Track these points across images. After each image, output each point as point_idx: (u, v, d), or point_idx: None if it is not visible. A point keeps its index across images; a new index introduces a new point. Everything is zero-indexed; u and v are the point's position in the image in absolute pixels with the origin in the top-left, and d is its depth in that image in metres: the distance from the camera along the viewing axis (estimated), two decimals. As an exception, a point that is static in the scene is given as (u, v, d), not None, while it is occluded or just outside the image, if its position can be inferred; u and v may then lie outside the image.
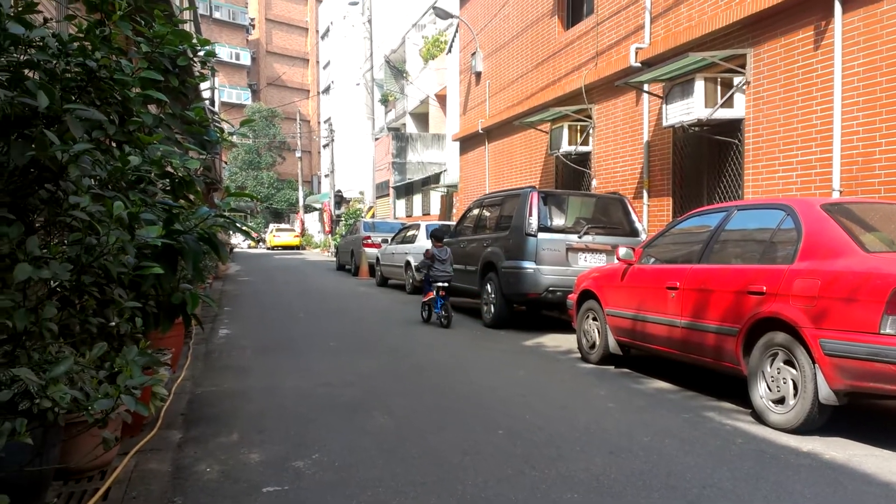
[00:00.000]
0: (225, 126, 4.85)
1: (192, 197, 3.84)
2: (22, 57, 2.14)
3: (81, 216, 2.05)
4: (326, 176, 48.31)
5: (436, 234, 10.22)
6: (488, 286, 10.09)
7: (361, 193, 38.25)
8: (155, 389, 3.10)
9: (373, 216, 33.19)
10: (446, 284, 9.93)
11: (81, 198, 2.11)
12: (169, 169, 3.32)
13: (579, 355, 7.65)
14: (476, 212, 11.60)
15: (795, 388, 4.71)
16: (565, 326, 10.05)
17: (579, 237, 9.42)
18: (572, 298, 7.84)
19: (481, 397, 5.69)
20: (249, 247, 45.34)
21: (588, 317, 7.46)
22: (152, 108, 4.38)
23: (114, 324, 2.56)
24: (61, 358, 2.01)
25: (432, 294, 10.06)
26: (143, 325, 2.78)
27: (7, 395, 1.94)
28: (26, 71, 2.33)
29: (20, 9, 2.15)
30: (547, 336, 9.25)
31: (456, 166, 23.67)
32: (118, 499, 3.49)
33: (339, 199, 43.85)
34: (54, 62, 2.11)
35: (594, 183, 13.03)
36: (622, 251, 6.76)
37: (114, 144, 3.06)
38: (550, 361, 7.45)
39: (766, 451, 4.38)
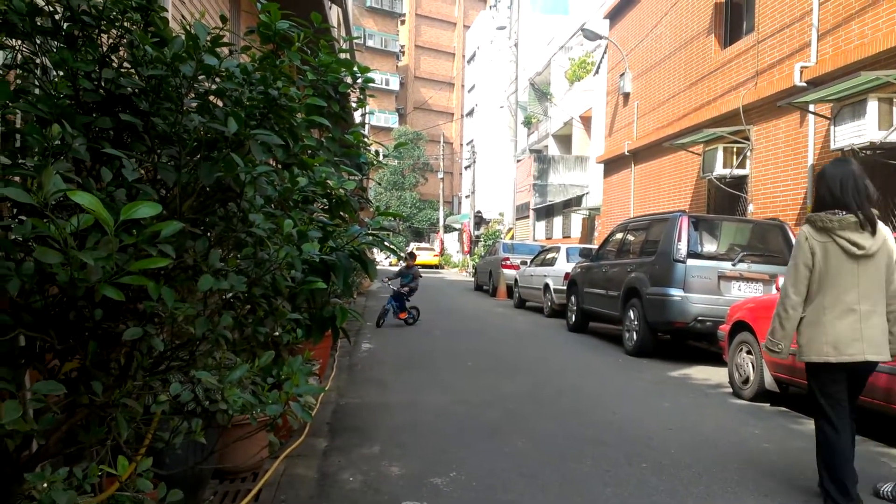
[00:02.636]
0: (378, 149, 5.05)
1: (346, 216, 4.04)
2: (212, 86, 2.36)
3: (259, 233, 2.21)
4: (467, 197, 49.13)
5: (411, 255, 12.86)
6: (631, 313, 9.80)
7: (501, 215, 38.49)
8: (306, 398, 3.28)
9: (512, 238, 33.23)
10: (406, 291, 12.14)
11: (257, 215, 2.28)
12: (328, 189, 3.52)
13: (730, 390, 7.20)
14: (620, 236, 11.33)
15: None
16: (714, 359, 9.52)
17: (733, 265, 8.93)
18: (724, 329, 7.42)
19: (624, 428, 5.50)
20: (391, 264, 46.94)
21: (741, 350, 7.02)
22: (314, 133, 4.67)
23: (277, 334, 2.73)
24: (238, 364, 2.17)
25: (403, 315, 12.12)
26: (303, 335, 2.95)
27: (188, 395, 2.13)
28: (211, 98, 2.57)
29: (210, 42, 2.37)
30: (694, 368, 8.80)
31: (599, 189, 23.24)
32: (269, 500, 3.71)
33: (479, 220, 44.39)
34: (239, 91, 2.31)
35: (751, 208, 12.31)
36: (783, 281, 6.30)
37: (279, 166, 3.29)
38: (698, 395, 7.08)
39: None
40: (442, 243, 51.24)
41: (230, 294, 2.38)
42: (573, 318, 12.41)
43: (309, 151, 3.56)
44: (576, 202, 27.79)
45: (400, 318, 12.08)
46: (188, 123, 2.26)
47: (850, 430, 3.85)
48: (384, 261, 45.54)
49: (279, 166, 3.09)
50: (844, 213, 3.81)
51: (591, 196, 26.15)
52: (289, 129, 2.87)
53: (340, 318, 3.19)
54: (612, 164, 19.82)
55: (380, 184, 56.18)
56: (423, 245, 50.77)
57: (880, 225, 3.85)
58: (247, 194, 2.25)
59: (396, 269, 12.96)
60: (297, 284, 2.64)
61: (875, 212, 3.86)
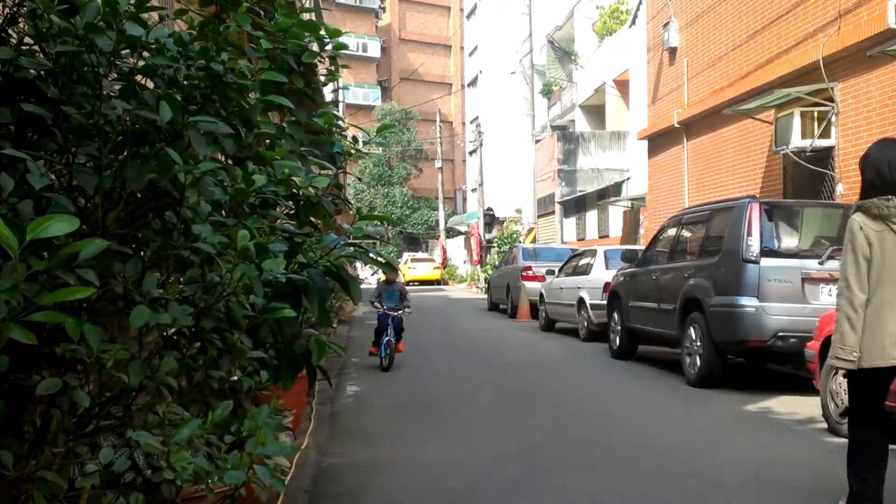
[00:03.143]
0: (357, 134, 5.07)
1: (318, 222, 4.05)
2: (138, 62, 2.37)
3: (206, 248, 2.21)
4: (473, 190, 49.23)
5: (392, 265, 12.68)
6: (691, 330, 9.78)
7: (518, 212, 38.57)
8: (277, 460, 3.27)
9: (534, 240, 33.27)
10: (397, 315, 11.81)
11: (203, 226, 2.28)
12: (293, 189, 3.53)
13: (824, 425, 7.17)
14: (672, 232, 11.33)
15: None
16: (801, 386, 9.49)
17: (820, 263, 8.91)
18: (813, 347, 7.40)
19: (690, 482, 5.48)
20: (379, 281, 46.94)
21: (838, 373, 6.99)
22: (273, 117, 4.68)
23: (236, 378, 2.73)
24: (187, 419, 2.16)
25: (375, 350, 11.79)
26: (269, 379, 2.95)
27: (124, 463, 2.11)
28: (139, 78, 2.57)
29: (134, 6, 2.38)
30: (775, 399, 8.78)
31: (643, 173, 23.27)
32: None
33: (491, 220, 44.43)
34: (173, 67, 2.32)
35: (840, 189, 12.30)
36: (841, 278, 6.31)
37: (229, 162, 3.30)
38: (784, 432, 7.05)
39: None
40: (444, 252, 51.33)
41: (173, 329, 2.38)
42: (617, 342, 12.40)
43: (267, 141, 3.57)
44: (614, 191, 27.83)
45: (371, 352, 11.77)
46: (110, 112, 2.27)
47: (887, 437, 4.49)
48: (370, 277, 45.64)
49: (229, 162, 3.09)
50: None
51: (634, 182, 26.18)
52: (239, 114, 2.88)
53: (317, 354, 3.20)
54: (659, 141, 19.85)
55: (360, 179, 56.38)
56: (419, 255, 50.85)
57: None
58: (188, 200, 2.25)
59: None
60: (258, 313, 2.63)
61: None
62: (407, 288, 12.59)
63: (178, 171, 2.19)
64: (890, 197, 4.25)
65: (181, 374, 2.48)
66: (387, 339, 11.41)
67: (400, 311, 11.75)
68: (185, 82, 2.41)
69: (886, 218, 4.24)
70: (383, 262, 3.88)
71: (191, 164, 2.23)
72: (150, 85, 2.54)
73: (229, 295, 2.45)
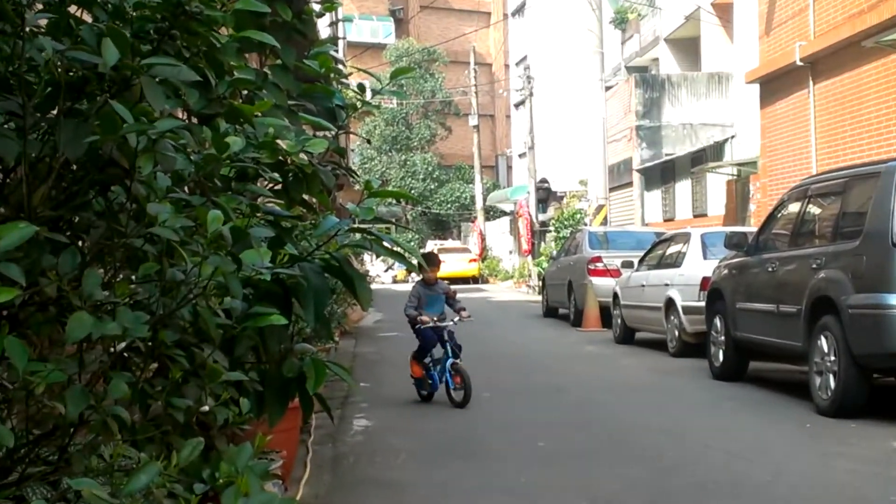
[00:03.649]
0: (364, 82, 5.08)
1: (313, 201, 4.07)
2: (71, -11, 2.40)
3: (167, 234, 2.24)
4: (521, 156, 49.15)
5: (430, 260, 12.07)
6: (822, 341, 9.70)
7: (583, 184, 38.36)
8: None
9: (604, 222, 33.15)
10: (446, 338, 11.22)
11: (161, 205, 2.30)
12: (280, 156, 3.55)
13: None
14: (795, 208, 11.22)
15: None
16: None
17: None
18: None
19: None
20: (395, 280, 47.06)
21: None
22: (251, 60, 4.69)
23: (207, 408, 2.76)
24: (143, 462, 2.18)
25: (419, 369, 11.34)
26: (250, 410, 2.97)
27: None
28: (73, 9, 2.60)
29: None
30: (940, 434, 8.70)
31: (752, 128, 23.08)
32: None
33: (545, 196, 44.27)
34: (120, -7, 2.35)
35: None
36: None
37: (194, 120, 3.32)
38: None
39: None
40: (482, 239, 51.28)
41: (123, 344, 2.41)
42: (720, 357, 12.34)
43: (244, 92, 3.59)
44: (713, 154, 27.64)
45: (455, 383, 10.85)
46: (35, 55, 2.30)
47: None
48: (384, 274, 45.59)
49: (194, 120, 3.12)
50: None
51: (740, 142, 25.98)
52: (207, 56, 2.90)
53: (314, 377, 3.21)
54: (775, 84, 19.68)
55: (369, 142, 56.38)
56: (449, 244, 50.82)
57: None
58: (141, 171, 2.28)
59: (409, 286, 12.58)
60: (236, 321, 2.66)
61: None
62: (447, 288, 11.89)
63: (128, 133, 2.20)
64: None
65: (134, 403, 2.51)
66: (450, 360, 10.88)
67: (452, 322, 11.26)
68: (135, 13, 2.42)
69: None
70: (401, 253, 3.87)
71: (144, 123, 2.24)
72: (89, 18, 2.56)
73: (197, 297, 2.46)
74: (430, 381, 11.15)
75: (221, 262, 2.41)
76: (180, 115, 3.21)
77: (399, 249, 3.74)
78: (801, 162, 18.51)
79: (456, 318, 11.29)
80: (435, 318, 11.12)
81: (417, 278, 12.37)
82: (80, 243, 2.52)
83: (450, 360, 10.88)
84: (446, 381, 10.89)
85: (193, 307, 2.55)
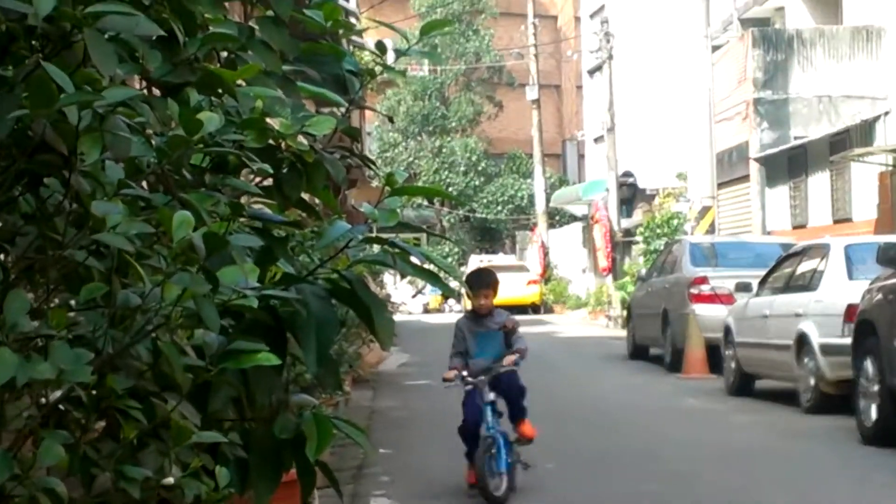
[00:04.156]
0: (385, 41, 5.11)
1: (315, 200, 4.08)
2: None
3: (117, 243, 2.24)
4: (598, 140, 49.04)
5: (480, 279, 11.41)
6: None
7: (682, 178, 38.20)
8: None
9: (711, 230, 33.04)
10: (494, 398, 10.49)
11: (110, 205, 2.31)
12: (270, 139, 3.55)
13: None
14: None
15: None
16: None
17: None
18: None
19: None
20: (426, 309, 47.02)
21: None
22: (232, 9, 4.72)
23: (172, 481, 2.75)
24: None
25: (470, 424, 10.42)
26: (230, 485, 2.96)
27: None
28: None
29: None
30: None
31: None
32: None
33: (630, 195, 44.16)
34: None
35: None
36: None
37: (155, 91, 3.34)
38: None
39: None
40: (545, 254, 51.22)
41: (58, 393, 2.42)
42: (872, 414, 12.22)
43: (224, 54, 3.60)
44: (860, 136, 27.48)
45: (470, 482, 10.16)
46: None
47: None
48: (411, 301, 45.42)
49: (156, 92, 3.14)
50: None
51: (895, 119, 25.78)
52: (173, 4, 2.92)
53: (316, 440, 3.22)
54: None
55: (392, 120, 56.38)
56: (497, 260, 50.69)
57: None
58: (85, 157, 2.29)
59: (458, 314, 11.92)
60: (210, 362, 2.66)
61: None
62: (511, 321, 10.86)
63: (66, 106, 2.22)
64: None
65: (73, 472, 2.51)
66: (490, 433, 9.98)
67: (508, 365, 10.33)
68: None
69: None
70: (435, 272, 3.85)
71: (88, 93, 2.26)
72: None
73: (158, 329, 2.47)
74: (488, 479, 9.81)
75: (191, 282, 2.41)
76: (137, 85, 3.22)
77: (432, 267, 3.73)
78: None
79: (509, 364, 10.31)
80: (480, 366, 10.34)
81: (462, 307, 12.07)
82: (1, 257, 2.54)
83: (490, 432, 9.98)
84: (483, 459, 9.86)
85: (153, 343, 2.54)
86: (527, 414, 10.61)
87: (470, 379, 10.17)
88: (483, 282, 11.07)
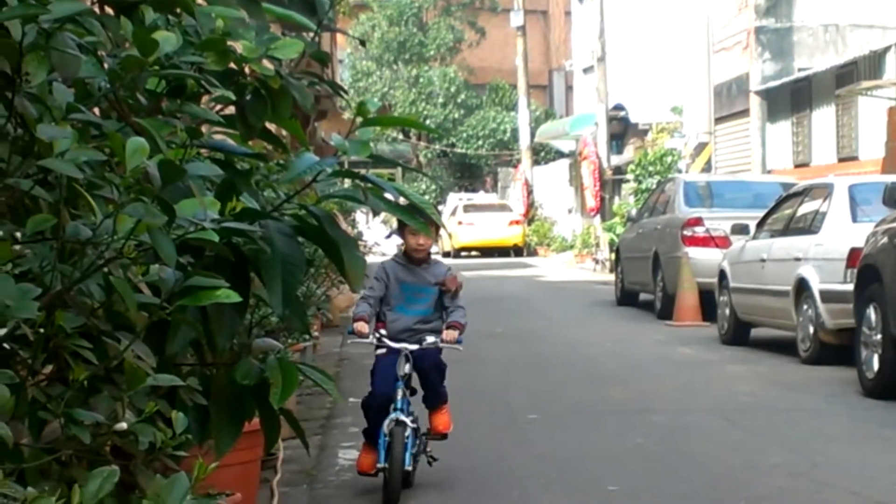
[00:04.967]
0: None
1: (281, 130, 4.06)
2: None
3: (66, 170, 2.24)
4: (587, 71, 48.89)
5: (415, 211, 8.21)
6: None
7: (677, 113, 38.13)
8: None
9: (707, 168, 33.05)
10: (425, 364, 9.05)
11: (58, 129, 2.30)
12: (232, 63, 3.53)
13: None
14: None
15: None
16: None
17: None
18: None
19: None
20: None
21: None
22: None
23: (125, 426, 2.74)
24: (31, 500, 2.17)
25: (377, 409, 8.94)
26: (187, 431, 2.96)
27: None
28: None
29: None
30: None
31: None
32: None
33: (621, 130, 44.10)
34: None
35: None
36: None
37: (108, 8, 3.31)
38: None
39: None
40: (528, 192, 51.15)
41: (2, 331, 2.41)
42: (874, 365, 12.30)
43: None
44: (868, 69, 27.48)
45: (360, 468, 8.80)
46: None
47: None
48: (384, 242, 45.29)
49: (107, 8, 3.12)
50: None
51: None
52: None
53: (281, 388, 3.21)
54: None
55: (364, 43, 56.04)
56: (478, 199, 50.72)
57: None
58: (30, 78, 2.27)
59: (435, 256, 9.18)
60: (166, 299, 2.66)
61: None
62: (458, 263, 9.87)
63: (9, 20, 2.20)
64: None
65: (19, 417, 2.51)
66: (393, 417, 8.61)
67: (434, 341, 8.89)
68: None
69: None
70: (410, 210, 3.85)
71: (33, 5, 2.24)
72: None
73: (110, 264, 2.46)
74: (383, 468, 8.51)
75: (146, 213, 2.40)
76: (88, 2, 3.20)
77: (406, 203, 3.72)
78: None
79: (430, 339, 8.80)
80: (400, 329, 8.87)
81: (436, 249, 10.59)
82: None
83: (391, 416, 8.56)
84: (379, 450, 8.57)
85: (105, 278, 2.54)
86: (446, 400, 9.10)
87: (390, 343, 8.70)
88: (419, 216, 8.29)
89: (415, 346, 8.68)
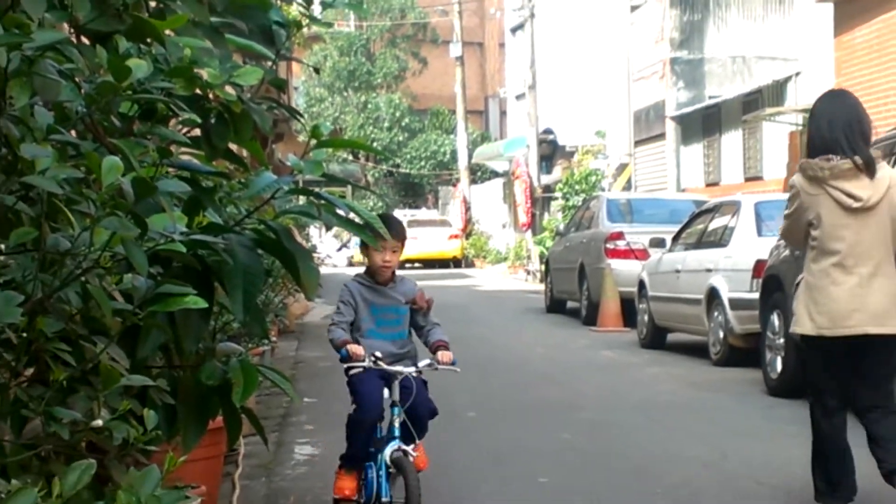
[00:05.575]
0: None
1: (242, 151, 4.05)
2: None
3: (46, 186, 2.21)
4: (519, 98, 48.99)
5: (389, 226, 6.08)
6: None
7: (600, 136, 38.28)
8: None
9: (627, 186, 33.18)
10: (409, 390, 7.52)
11: (40, 148, 2.27)
12: (198, 89, 3.52)
13: None
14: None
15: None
16: None
17: None
18: None
19: None
20: (351, 262, 46.92)
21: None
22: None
23: (100, 423, 2.72)
24: (13, 493, 2.15)
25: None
26: (157, 427, 2.94)
27: None
28: None
29: None
30: None
31: (824, 62, 23.09)
32: None
33: (550, 152, 44.19)
34: None
35: None
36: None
37: (83, 39, 3.29)
38: None
39: None
40: (467, 208, 51.21)
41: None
42: (778, 366, 12.45)
43: (153, 3, 3.56)
44: (772, 96, 27.69)
45: (338, 496, 7.52)
46: None
47: (844, 417, 6.83)
48: (336, 255, 45.34)
49: (82, 38, 3.09)
50: (838, 158, 6.44)
51: (808, 80, 26.00)
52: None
53: (242, 387, 3.20)
54: (855, 5, 19.67)
55: (318, 72, 55.97)
56: (420, 215, 50.71)
57: (884, 169, 6.37)
58: (14, 101, 2.25)
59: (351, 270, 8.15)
60: (139, 304, 2.64)
61: (876, 153, 6.63)
62: (402, 274, 8.09)
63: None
64: (830, 157, 6.48)
65: (3, 415, 2.49)
66: (392, 444, 7.25)
67: (430, 363, 7.63)
68: None
69: (822, 181, 6.53)
70: (360, 224, 3.83)
71: (17, 35, 2.22)
72: None
73: (87, 273, 2.44)
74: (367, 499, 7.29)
75: (120, 226, 2.39)
76: (67, 31, 3.18)
77: (355, 218, 3.71)
78: (887, 106, 18.55)
79: (425, 362, 7.58)
80: (375, 356, 7.23)
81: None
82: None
83: (392, 445, 7.21)
84: (378, 481, 7.21)
85: (83, 287, 2.52)
86: (422, 434, 7.63)
87: (387, 367, 7.27)
88: (393, 230, 7.23)
89: (412, 369, 7.42)
